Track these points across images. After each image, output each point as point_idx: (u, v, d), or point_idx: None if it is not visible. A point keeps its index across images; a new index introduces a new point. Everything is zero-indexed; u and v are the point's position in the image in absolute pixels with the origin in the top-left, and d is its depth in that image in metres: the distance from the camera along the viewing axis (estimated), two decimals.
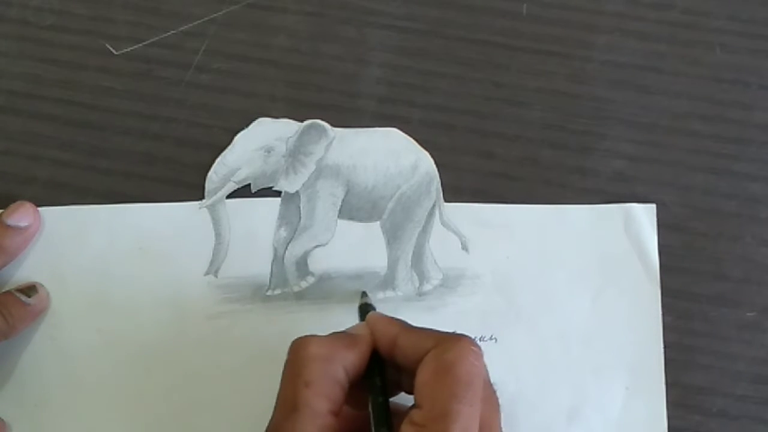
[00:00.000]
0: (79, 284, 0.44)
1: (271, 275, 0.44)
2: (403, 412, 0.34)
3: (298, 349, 0.34)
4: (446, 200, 0.45)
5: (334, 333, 0.36)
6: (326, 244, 0.45)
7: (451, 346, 0.33)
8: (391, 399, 0.35)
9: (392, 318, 0.37)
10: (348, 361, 0.34)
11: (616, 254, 0.44)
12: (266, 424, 0.33)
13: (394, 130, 0.46)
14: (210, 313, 0.43)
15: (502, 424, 0.34)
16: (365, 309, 0.40)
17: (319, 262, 0.44)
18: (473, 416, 0.31)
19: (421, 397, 0.32)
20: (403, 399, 0.36)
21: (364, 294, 0.42)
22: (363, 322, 0.37)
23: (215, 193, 0.45)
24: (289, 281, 0.44)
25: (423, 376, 0.33)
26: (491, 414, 0.34)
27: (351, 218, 0.45)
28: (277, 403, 0.34)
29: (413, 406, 0.33)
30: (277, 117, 0.46)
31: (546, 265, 0.44)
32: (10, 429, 0.42)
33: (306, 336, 0.35)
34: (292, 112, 0.46)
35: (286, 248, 0.44)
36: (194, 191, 0.45)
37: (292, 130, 0.46)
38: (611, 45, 0.47)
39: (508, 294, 0.44)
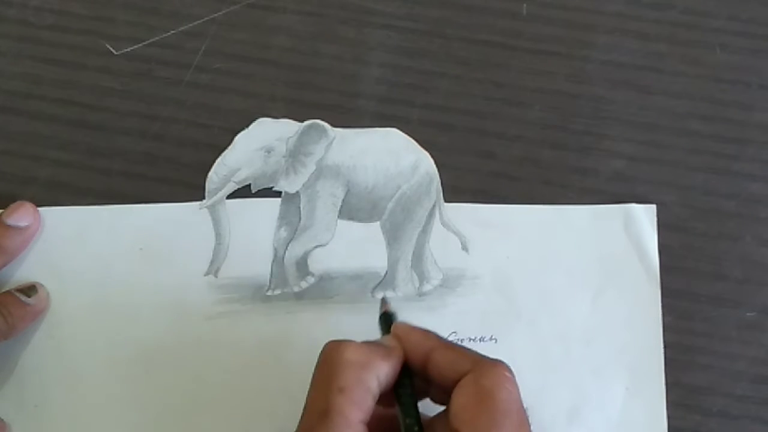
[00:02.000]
0: (79, 284, 0.44)
1: (271, 275, 0.44)
2: (432, 424, 0.34)
3: (333, 353, 0.33)
4: (446, 200, 0.45)
5: (368, 341, 0.35)
6: (326, 244, 0.45)
7: (488, 371, 0.33)
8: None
9: (424, 331, 0.36)
10: (382, 372, 0.33)
11: (616, 254, 0.44)
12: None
13: (394, 130, 0.46)
14: (210, 314, 0.43)
15: None
16: (388, 319, 0.38)
17: (319, 262, 0.44)
18: None
19: (460, 423, 0.32)
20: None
21: (383, 302, 0.40)
22: (391, 336, 0.36)
23: (215, 194, 0.45)
24: (289, 281, 0.44)
25: (461, 400, 0.32)
26: None
27: (351, 218, 0.45)
28: (306, 407, 0.33)
29: (448, 428, 0.32)
30: (277, 117, 0.46)
31: (546, 265, 0.44)
32: (10, 429, 0.42)
33: (340, 340, 0.34)
34: (292, 112, 0.46)
35: (286, 248, 0.44)
36: (194, 191, 0.45)
37: (292, 130, 0.46)
38: (611, 45, 0.47)
39: (508, 294, 0.44)
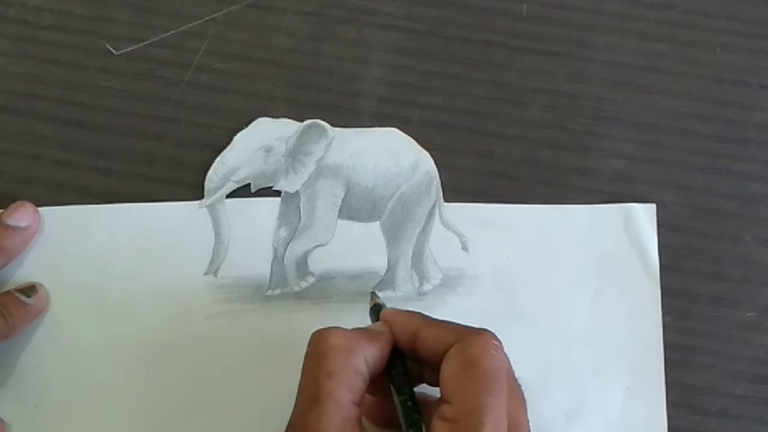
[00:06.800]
0: (79, 284, 0.44)
1: (271, 275, 0.44)
2: (430, 405, 0.34)
3: (320, 340, 0.34)
4: (446, 200, 0.45)
5: (355, 328, 0.36)
6: (326, 244, 0.45)
7: (474, 340, 0.33)
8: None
9: (411, 312, 0.37)
10: (369, 354, 0.34)
11: (616, 254, 0.44)
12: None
13: (394, 130, 0.46)
14: (210, 313, 0.43)
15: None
16: (377, 309, 0.39)
17: (319, 262, 0.44)
18: (502, 408, 0.32)
19: (450, 393, 0.32)
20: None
21: (373, 294, 0.42)
22: (380, 322, 0.37)
23: (215, 193, 0.45)
24: (289, 281, 0.44)
25: (449, 370, 0.33)
26: (518, 409, 0.34)
27: (351, 218, 0.45)
28: (298, 394, 0.34)
29: (440, 401, 0.33)
30: (277, 117, 0.46)
31: (546, 265, 0.44)
32: (10, 429, 0.42)
33: (327, 328, 0.35)
34: (292, 112, 0.46)
35: (286, 248, 0.44)
36: (194, 191, 0.45)
37: (292, 130, 0.46)
38: (611, 45, 0.47)
39: (508, 294, 0.44)
